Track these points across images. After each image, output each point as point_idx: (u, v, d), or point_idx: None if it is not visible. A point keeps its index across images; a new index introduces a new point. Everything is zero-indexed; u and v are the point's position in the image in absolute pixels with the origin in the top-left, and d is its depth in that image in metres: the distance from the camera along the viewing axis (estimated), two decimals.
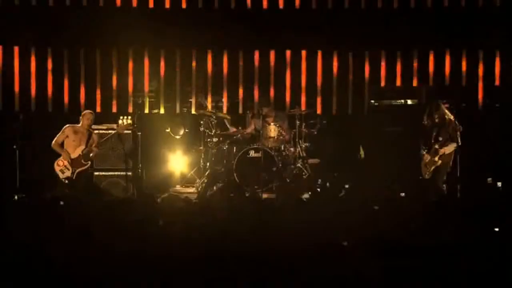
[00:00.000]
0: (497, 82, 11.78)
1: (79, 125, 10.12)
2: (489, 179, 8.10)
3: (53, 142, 10.04)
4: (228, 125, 11.44)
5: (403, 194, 7.50)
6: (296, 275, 4.11)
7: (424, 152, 9.31)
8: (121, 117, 11.79)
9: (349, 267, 4.17)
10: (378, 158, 10.76)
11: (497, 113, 10.94)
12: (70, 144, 10.01)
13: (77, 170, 9.93)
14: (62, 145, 10.05)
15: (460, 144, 9.17)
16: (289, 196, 7.38)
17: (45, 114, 12.03)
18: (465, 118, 9.51)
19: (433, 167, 9.26)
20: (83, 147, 10.00)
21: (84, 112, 10.29)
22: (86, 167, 10.01)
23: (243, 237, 4.75)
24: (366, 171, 10.86)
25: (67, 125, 10.18)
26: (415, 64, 11.95)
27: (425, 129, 9.36)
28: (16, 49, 12.02)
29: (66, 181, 9.87)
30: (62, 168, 9.94)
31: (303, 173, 10.62)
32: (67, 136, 10.04)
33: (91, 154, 10.02)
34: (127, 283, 4.30)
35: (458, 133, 9.16)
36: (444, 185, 9.37)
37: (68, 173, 9.91)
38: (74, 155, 9.97)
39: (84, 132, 10.07)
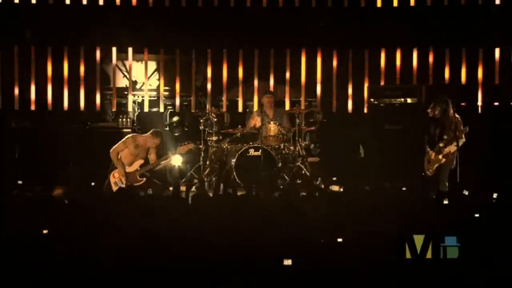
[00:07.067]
0: (496, 81, 11.78)
1: (144, 136, 9.37)
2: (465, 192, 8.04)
3: (112, 149, 9.26)
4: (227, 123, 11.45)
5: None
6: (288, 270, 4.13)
7: (429, 149, 9.29)
8: (121, 116, 11.83)
9: (344, 263, 4.19)
10: (378, 156, 10.76)
11: (496, 112, 10.95)
12: (127, 156, 9.29)
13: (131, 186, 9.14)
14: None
15: (464, 141, 9.15)
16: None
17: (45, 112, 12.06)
18: (464, 116, 9.49)
19: (436, 165, 9.23)
20: (141, 161, 9.32)
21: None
22: (141, 183, 9.21)
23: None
24: (366, 169, 10.86)
25: (131, 135, 9.53)
26: (415, 63, 11.95)
27: (429, 126, 9.33)
28: (15, 48, 12.03)
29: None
30: (116, 180, 9.25)
31: (303, 172, 10.61)
32: (127, 147, 9.28)
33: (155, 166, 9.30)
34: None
35: (463, 131, 9.13)
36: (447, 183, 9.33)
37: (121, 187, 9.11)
38: (130, 169, 9.29)
39: (146, 146, 9.31)
